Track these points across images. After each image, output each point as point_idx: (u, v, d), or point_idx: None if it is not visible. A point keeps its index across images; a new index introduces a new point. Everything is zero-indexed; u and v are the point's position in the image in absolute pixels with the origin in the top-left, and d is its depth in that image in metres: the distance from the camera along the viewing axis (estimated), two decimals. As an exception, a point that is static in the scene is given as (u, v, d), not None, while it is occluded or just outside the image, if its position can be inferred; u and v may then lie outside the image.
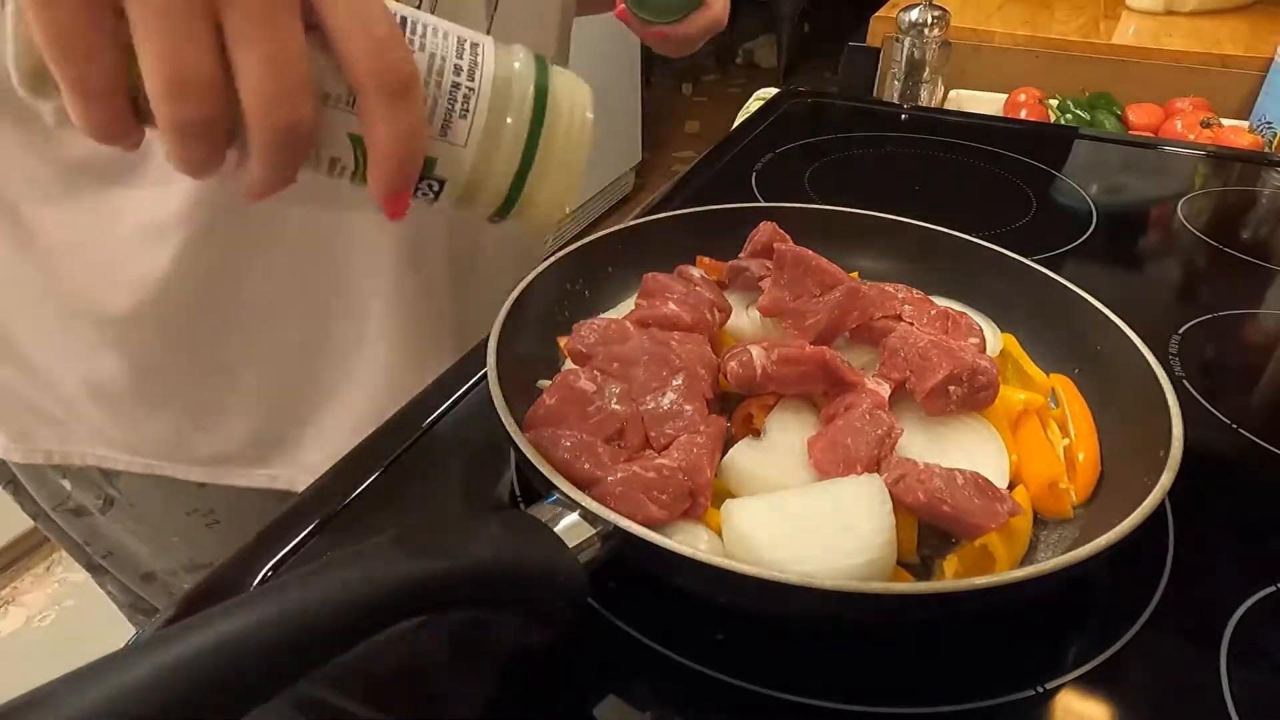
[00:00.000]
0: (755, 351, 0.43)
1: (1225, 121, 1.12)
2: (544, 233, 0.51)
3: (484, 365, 0.43)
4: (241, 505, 0.64)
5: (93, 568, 0.71)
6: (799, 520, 0.37)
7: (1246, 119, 1.19)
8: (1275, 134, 1.12)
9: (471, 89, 0.32)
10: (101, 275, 0.53)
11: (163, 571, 0.68)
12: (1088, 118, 1.17)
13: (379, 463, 0.47)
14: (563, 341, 0.50)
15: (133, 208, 0.51)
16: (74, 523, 0.66)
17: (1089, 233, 0.74)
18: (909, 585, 0.37)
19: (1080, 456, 0.44)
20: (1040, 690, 0.36)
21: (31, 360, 0.57)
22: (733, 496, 0.40)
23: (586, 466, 0.39)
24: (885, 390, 0.44)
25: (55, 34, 0.27)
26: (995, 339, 0.51)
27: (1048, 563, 0.33)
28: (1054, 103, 1.20)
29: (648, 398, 0.42)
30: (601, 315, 0.54)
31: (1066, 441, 0.45)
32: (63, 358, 0.57)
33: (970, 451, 0.43)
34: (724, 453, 0.42)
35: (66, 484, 0.62)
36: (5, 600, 1.57)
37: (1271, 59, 1.18)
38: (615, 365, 0.44)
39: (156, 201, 0.51)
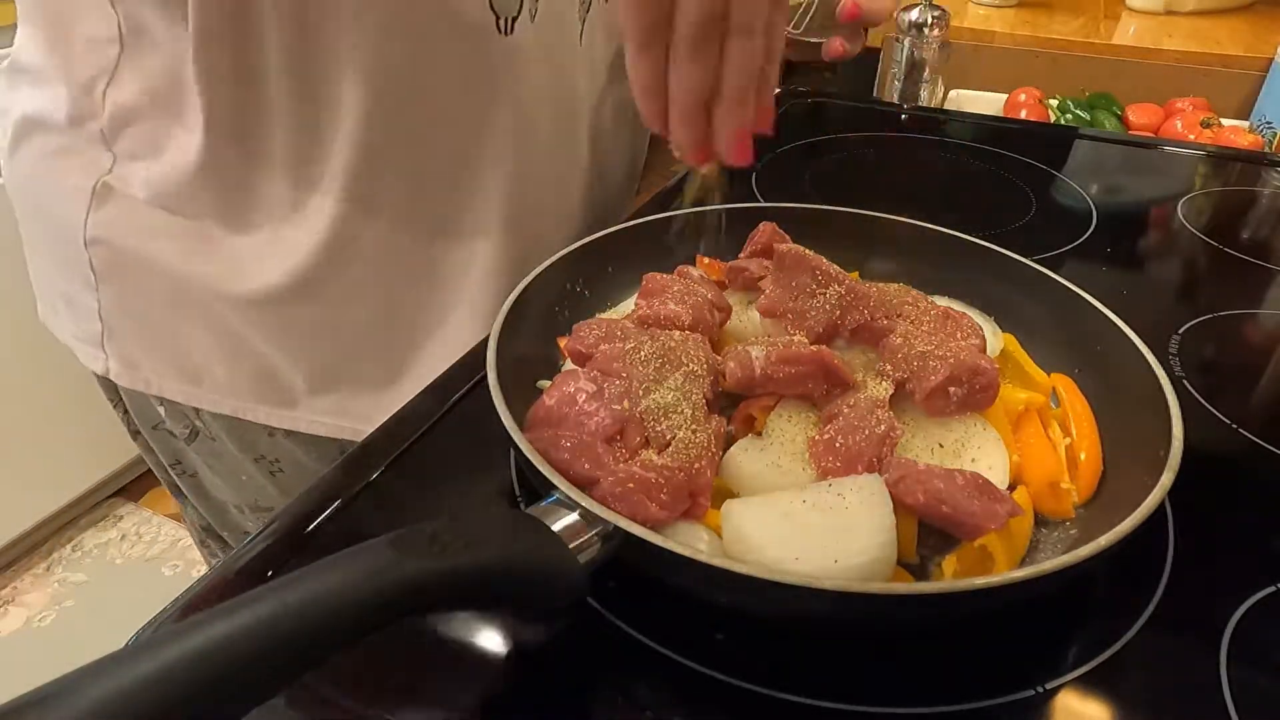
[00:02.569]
0: (755, 351, 0.43)
1: (1225, 121, 1.12)
2: None
3: (484, 365, 0.43)
4: (300, 460, 0.69)
5: (175, 490, 0.79)
6: (799, 520, 0.37)
7: (1246, 119, 1.19)
8: (1275, 134, 1.12)
9: None
10: (236, 265, 0.61)
11: (233, 505, 0.75)
12: (1088, 118, 1.17)
13: (379, 463, 0.47)
14: (563, 341, 0.50)
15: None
16: (164, 443, 0.73)
17: (1089, 233, 0.74)
18: (909, 585, 0.37)
19: (1082, 456, 0.44)
20: (1040, 690, 0.36)
21: (149, 308, 0.64)
22: (733, 496, 0.40)
23: (586, 466, 0.39)
24: (885, 390, 0.44)
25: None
26: (995, 339, 0.51)
27: (1048, 563, 0.33)
28: (1054, 103, 1.20)
29: (647, 398, 0.42)
30: (601, 315, 0.55)
31: (1068, 441, 0.45)
32: (179, 316, 0.64)
33: (971, 452, 0.43)
34: (724, 453, 0.42)
35: (161, 410, 0.69)
36: (5, 600, 1.57)
37: (1271, 59, 1.18)
38: (615, 365, 0.44)
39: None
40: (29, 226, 0.67)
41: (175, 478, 0.76)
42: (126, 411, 0.73)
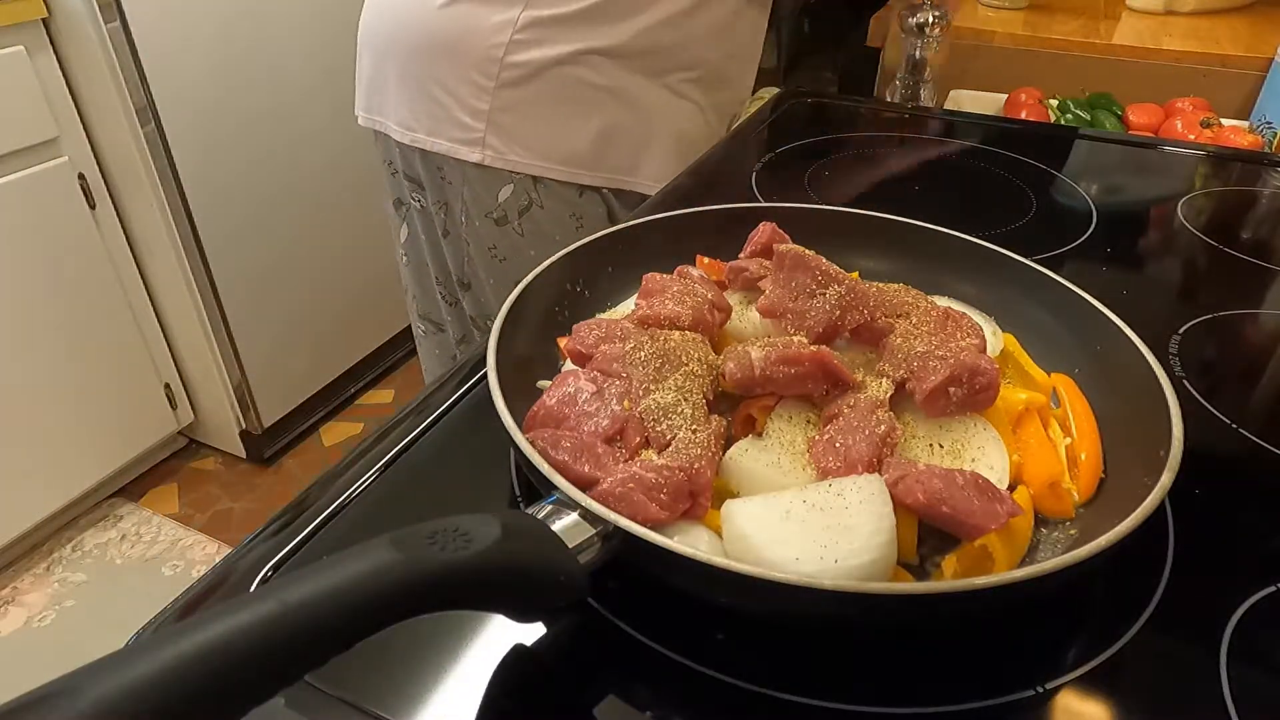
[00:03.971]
0: (754, 352, 0.43)
1: (1225, 121, 1.12)
2: None
3: (484, 365, 0.43)
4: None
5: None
6: (799, 520, 0.37)
7: (1246, 119, 1.19)
8: (1275, 134, 1.12)
9: None
10: None
11: None
12: (1088, 118, 1.17)
13: (379, 463, 0.47)
14: (563, 341, 0.50)
15: None
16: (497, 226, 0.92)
17: (1089, 233, 0.74)
18: (909, 585, 0.37)
19: (1082, 456, 0.44)
20: (1040, 690, 0.36)
21: None
22: (733, 496, 0.40)
23: (586, 467, 0.39)
24: (885, 390, 0.44)
25: None
26: (995, 339, 0.51)
27: (1048, 563, 0.33)
28: (1054, 103, 1.20)
29: (647, 398, 0.42)
30: (601, 315, 0.55)
31: (1068, 441, 0.45)
32: None
33: (971, 452, 0.43)
34: (724, 453, 0.42)
35: (506, 191, 0.90)
36: (5, 600, 1.57)
37: (1271, 59, 1.18)
38: (615, 365, 0.44)
39: None
40: None
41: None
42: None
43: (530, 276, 0.50)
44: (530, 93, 0.87)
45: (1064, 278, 0.51)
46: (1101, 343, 0.48)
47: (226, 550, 1.51)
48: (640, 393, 0.43)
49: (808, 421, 0.44)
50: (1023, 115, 1.17)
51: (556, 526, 0.34)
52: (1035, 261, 0.53)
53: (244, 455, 1.88)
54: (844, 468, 0.40)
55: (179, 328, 1.72)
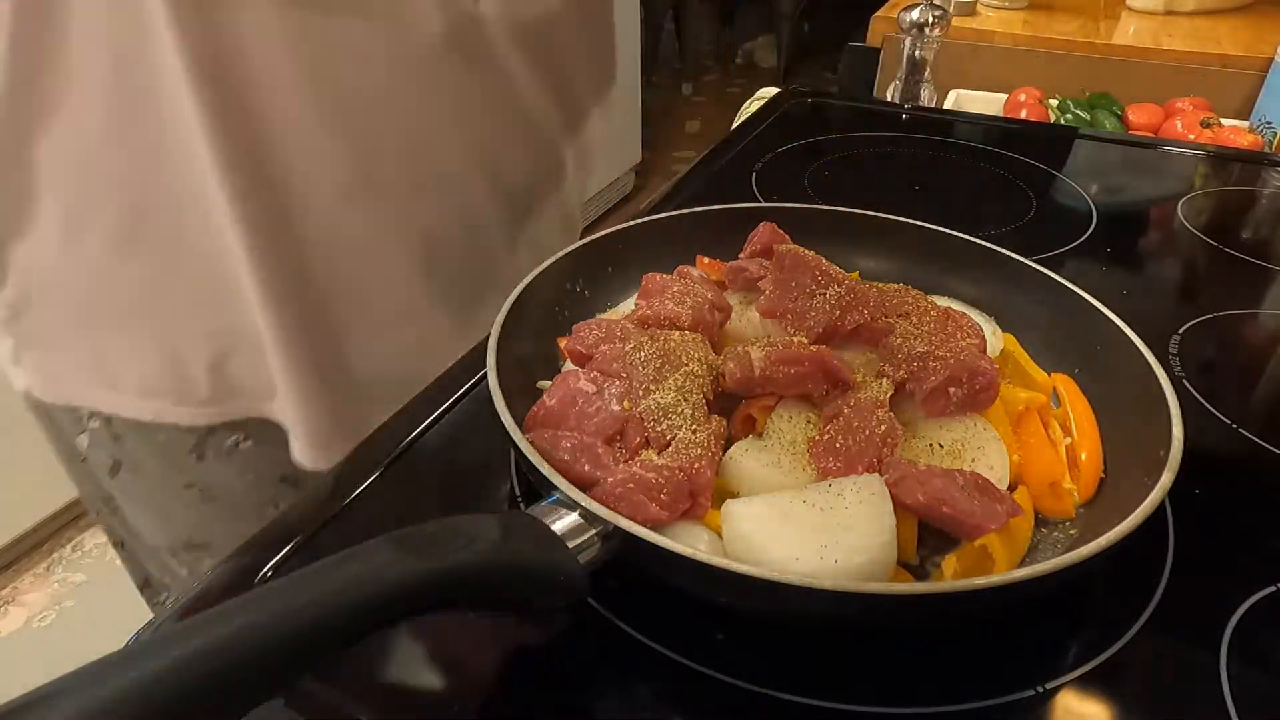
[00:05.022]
0: (754, 352, 0.43)
1: (1225, 121, 1.12)
2: None
3: (484, 365, 0.43)
4: (235, 484, 0.66)
5: (115, 541, 0.76)
6: (799, 520, 0.37)
7: (1246, 119, 1.19)
8: (1275, 134, 1.12)
9: None
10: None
11: (165, 549, 0.71)
12: (1088, 118, 1.17)
13: (378, 463, 0.47)
14: (563, 342, 0.50)
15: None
16: (93, 482, 0.71)
17: (1089, 233, 0.74)
18: (909, 585, 0.37)
19: (1082, 456, 0.44)
20: (1040, 690, 0.36)
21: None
22: (733, 496, 0.40)
23: (586, 467, 0.39)
24: (885, 390, 0.44)
25: None
26: (995, 339, 0.51)
27: (1048, 563, 0.33)
28: (1054, 103, 1.20)
29: (647, 398, 0.42)
30: (601, 315, 0.55)
31: (1068, 441, 0.45)
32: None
33: (971, 452, 0.43)
34: (724, 453, 0.42)
35: (84, 440, 0.68)
36: (5, 600, 1.57)
37: (1271, 59, 1.18)
38: (615, 365, 0.44)
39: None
40: None
41: (113, 527, 0.74)
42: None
43: (530, 276, 0.50)
44: None
45: (1064, 278, 0.51)
46: (1101, 343, 0.48)
47: (226, 550, 1.51)
48: (640, 393, 0.43)
49: (808, 421, 0.44)
50: (1023, 115, 1.17)
51: (556, 526, 0.34)
52: (1035, 261, 0.53)
53: (244, 455, 1.88)
54: (844, 468, 0.40)
55: (179, 328, 1.72)
